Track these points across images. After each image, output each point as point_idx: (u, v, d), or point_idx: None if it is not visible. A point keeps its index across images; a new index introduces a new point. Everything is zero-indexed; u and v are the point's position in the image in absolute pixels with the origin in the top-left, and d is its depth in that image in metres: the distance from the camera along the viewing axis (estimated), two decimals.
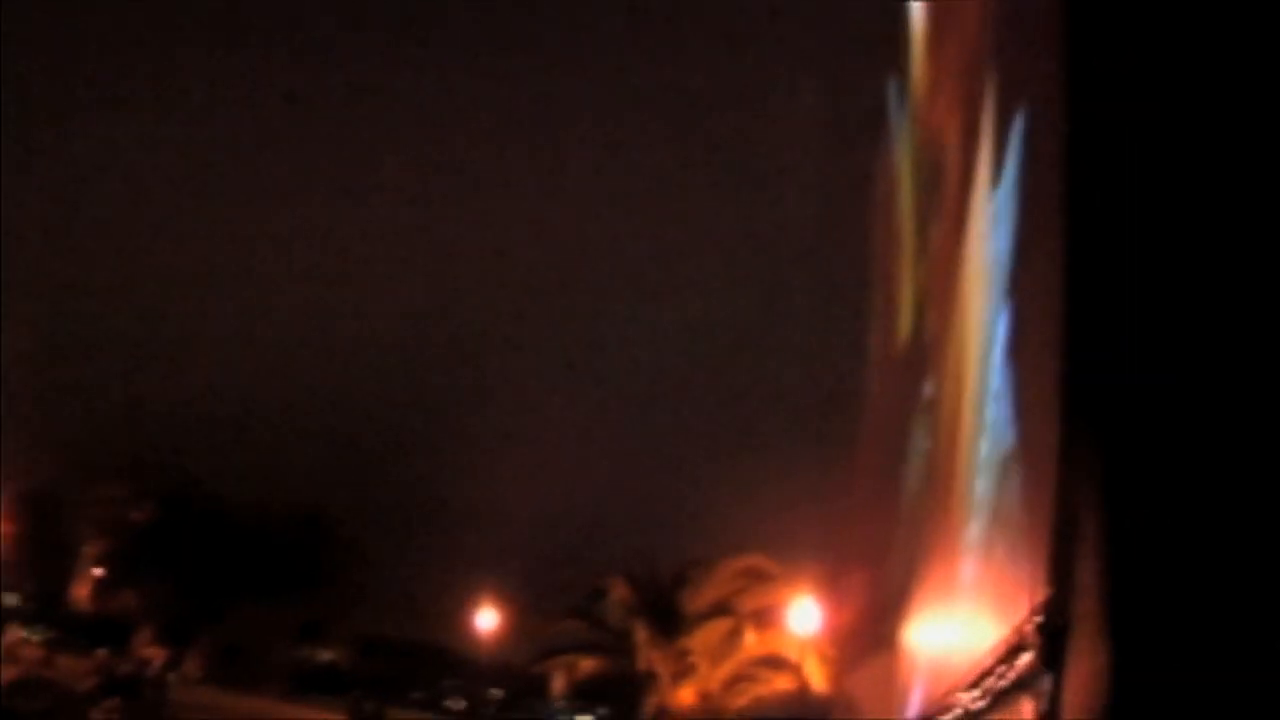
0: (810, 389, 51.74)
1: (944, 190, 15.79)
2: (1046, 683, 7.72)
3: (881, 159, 22.79)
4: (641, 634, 43.44)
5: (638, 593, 44.39)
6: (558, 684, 46.15)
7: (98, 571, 58.41)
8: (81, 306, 69.47)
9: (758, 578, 42.61)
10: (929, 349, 15.78)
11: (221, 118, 77.88)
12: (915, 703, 14.12)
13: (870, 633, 17.64)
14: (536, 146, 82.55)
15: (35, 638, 49.05)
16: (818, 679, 37.66)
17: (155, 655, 42.42)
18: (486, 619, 53.38)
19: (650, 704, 43.28)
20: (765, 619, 41.83)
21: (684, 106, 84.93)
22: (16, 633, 50.00)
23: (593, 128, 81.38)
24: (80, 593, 57.46)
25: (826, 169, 47.90)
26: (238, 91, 79.28)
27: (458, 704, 56.69)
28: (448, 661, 57.91)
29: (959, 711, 11.03)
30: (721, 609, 42.83)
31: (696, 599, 43.30)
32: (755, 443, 61.29)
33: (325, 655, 57.50)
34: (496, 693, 58.51)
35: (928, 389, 15.53)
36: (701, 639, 42.79)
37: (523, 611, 52.08)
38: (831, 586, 31.36)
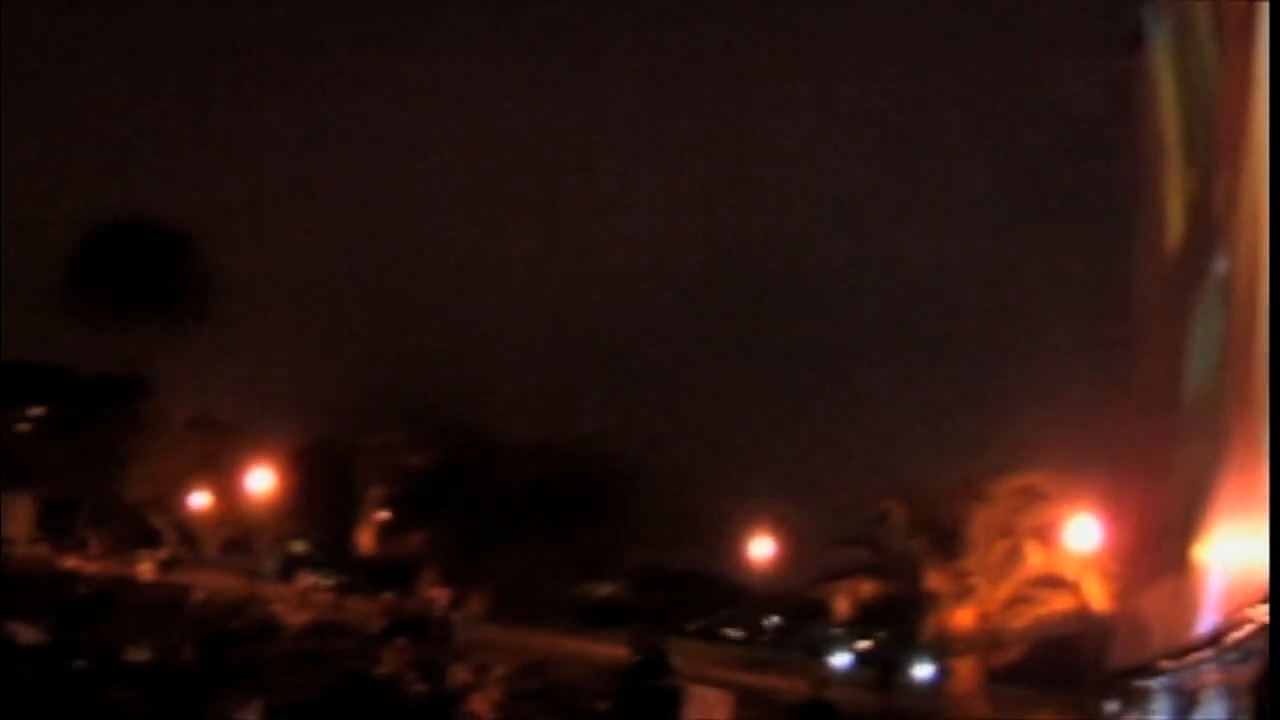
0: (1084, 300, 50.27)
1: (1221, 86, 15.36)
2: None
3: (1144, 61, 21.89)
4: (921, 555, 42.96)
5: (916, 514, 43.87)
6: (839, 608, 45.85)
7: (381, 516, 60.06)
8: (355, 258, 71.39)
9: (1036, 496, 41.60)
10: (1217, 226, 15.12)
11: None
12: (1209, 623, 13.44)
13: (1157, 550, 16.87)
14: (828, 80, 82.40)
15: (325, 583, 50.84)
16: (1098, 598, 36.57)
17: (440, 595, 43.53)
18: (762, 547, 53.32)
19: (930, 626, 42.83)
20: (1044, 538, 40.88)
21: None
22: (307, 579, 51.95)
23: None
24: (365, 538, 59.16)
25: (1088, 76, 46.30)
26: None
27: (736, 633, 56.95)
28: (725, 591, 58.11)
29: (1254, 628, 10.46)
30: (1000, 529, 42.03)
31: (975, 519, 42.56)
32: (1029, 357, 59.95)
33: (605, 589, 58.20)
34: (774, 620, 58.54)
35: (1220, 266, 14.85)
36: (980, 559, 42.10)
37: (798, 538, 51.94)
38: (1111, 502, 30.38)
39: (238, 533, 60.92)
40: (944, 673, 42.82)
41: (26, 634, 22.69)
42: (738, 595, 57.48)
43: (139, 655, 21.64)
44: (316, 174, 78.33)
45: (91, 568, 43.19)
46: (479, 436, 57.08)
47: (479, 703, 20.87)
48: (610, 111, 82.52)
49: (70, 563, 44.69)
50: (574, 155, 79.40)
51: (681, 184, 79.61)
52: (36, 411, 66.62)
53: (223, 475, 60.16)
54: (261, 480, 57.39)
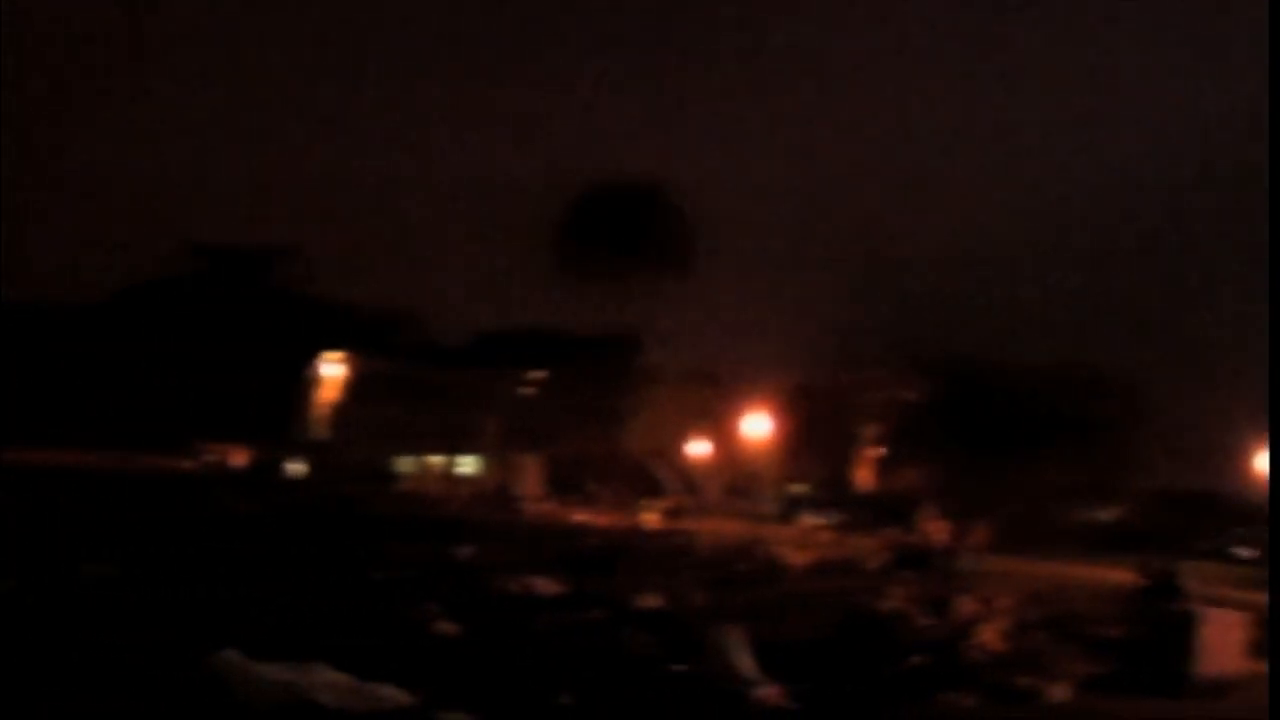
0: None
1: None
2: None
3: None
4: None
5: None
6: None
7: (877, 453, 60.22)
8: (833, 196, 71.54)
9: None
10: None
11: None
12: None
13: None
14: None
15: (826, 523, 51.29)
16: None
17: (941, 528, 43.16)
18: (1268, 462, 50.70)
19: None
20: None
21: None
22: (808, 519, 52.55)
23: None
24: (862, 475, 59.45)
25: None
26: None
27: (1248, 552, 54.22)
28: (1235, 510, 55.44)
29: None
30: None
31: None
32: None
33: (1109, 513, 56.52)
34: None
35: None
36: None
37: None
38: None
39: (738, 478, 62.33)
40: None
41: (546, 586, 23.82)
42: (1248, 514, 54.76)
43: (651, 602, 22.34)
44: (785, 117, 78.90)
45: (600, 520, 44.89)
46: (972, 367, 56.40)
47: (986, 634, 20.57)
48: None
49: (580, 516, 46.60)
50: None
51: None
52: (538, 375, 70.02)
53: (719, 423, 61.62)
54: (757, 425, 58.42)
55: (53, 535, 23.96)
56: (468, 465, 68.95)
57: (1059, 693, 18.01)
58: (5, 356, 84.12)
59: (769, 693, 15.44)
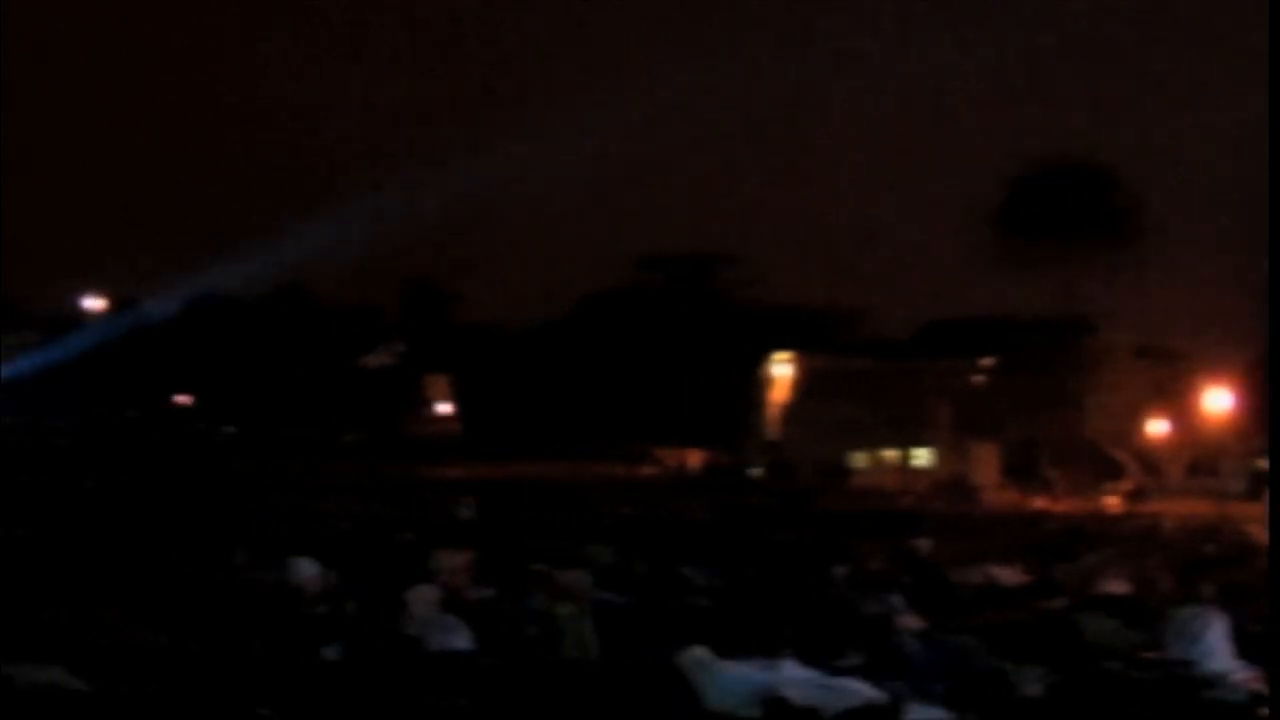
0: None
1: None
2: None
3: None
4: None
5: None
6: None
7: None
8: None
9: None
10: None
11: None
12: None
13: None
14: None
15: None
16: None
17: None
18: None
19: None
20: None
21: None
22: None
23: None
24: None
25: None
26: None
27: None
28: None
29: None
30: None
31: None
32: None
33: None
34: None
35: None
36: None
37: None
38: None
39: (1200, 456, 60.10)
40: None
41: (1008, 575, 23.75)
42: None
43: (1116, 587, 21.96)
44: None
45: (1059, 506, 44.22)
46: None
47: None
48: None
49: (1038, 503, 46.01)
50: None
51: None
52: (988, 362, 69.26)
53: (1177, 400, 59.63)
54: (1218, 400, 56.26)
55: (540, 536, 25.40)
56: (922, 458, 68.82)
57: None
58: (473, 377, 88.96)
59: (1246, 679, 15.02)
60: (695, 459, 78.26)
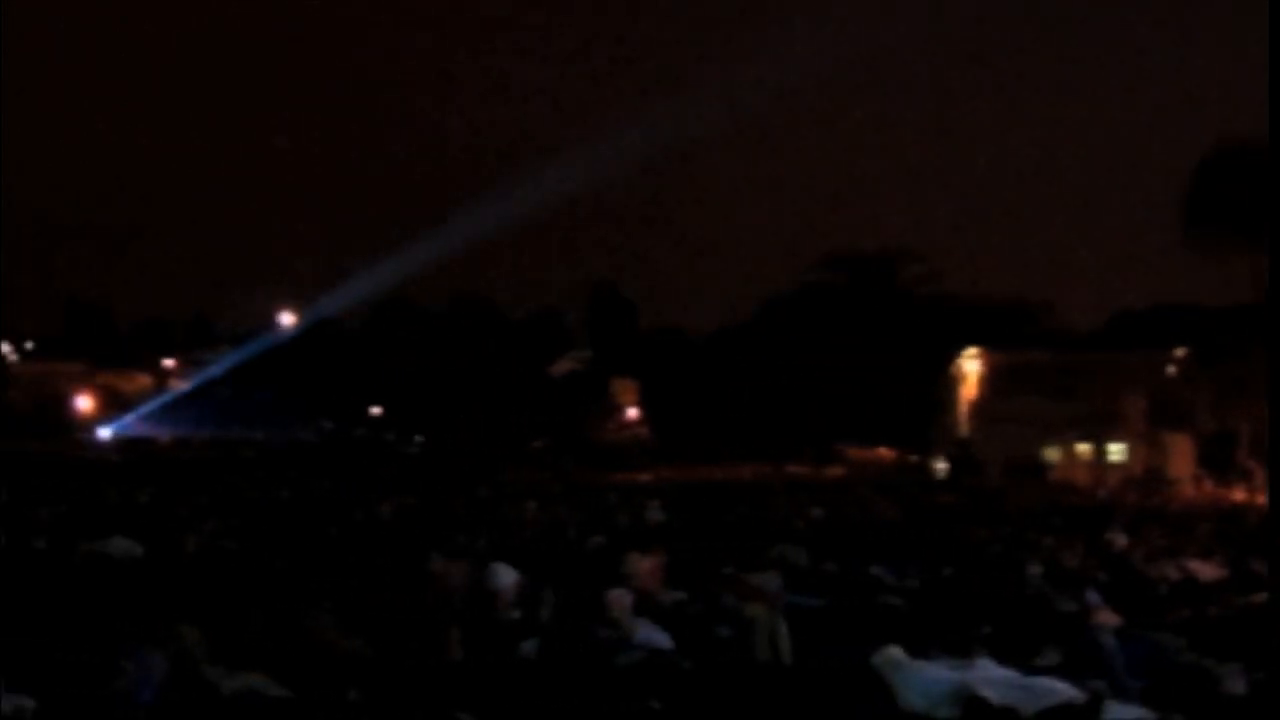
0: None
1: None
2: None
3: None
4: None
5: None
6: None
7: None
8: None
9: None
10: None
11: None
12: None
13: None
14: None
15: None
16: None
17: None
18: None
19: None
20: None
21: None
22: None
23: None
24: None
25: None
26: None
27: None
28: None
29: None
30: None
31: None
32: None
33: None
34: None
35: None
36: None
37: None
38: None
39: None
40: None
41: (1206, 570, 23.32)
42: None
43: None
44: None
45: (1259, 498, 43.13)
46: None
47: None
48: None
49: (1236, 495, 44.97)
50: None
51: None
52: (1179, 352, 67.75)
53: None
54: None
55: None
56: (1115, 452, 67.60)
57: None
58: (660, 381, 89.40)
59: None
60: (885, 457, 77.91)
